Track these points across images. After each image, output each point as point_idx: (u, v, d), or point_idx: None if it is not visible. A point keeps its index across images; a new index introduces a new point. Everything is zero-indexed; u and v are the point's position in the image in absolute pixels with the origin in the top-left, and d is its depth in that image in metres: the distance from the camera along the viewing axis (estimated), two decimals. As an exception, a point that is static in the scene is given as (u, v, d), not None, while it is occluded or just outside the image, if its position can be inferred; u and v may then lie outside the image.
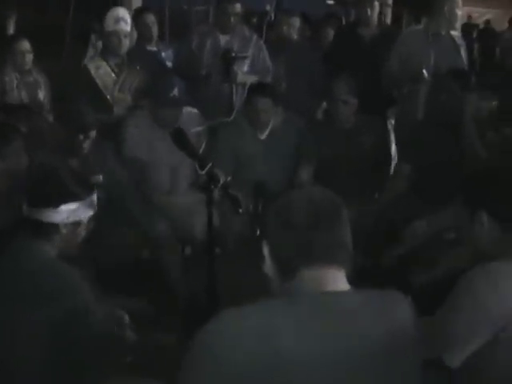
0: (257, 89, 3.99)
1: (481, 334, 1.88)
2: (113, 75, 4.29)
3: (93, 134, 3.45)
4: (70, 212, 2.15)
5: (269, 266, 1.59)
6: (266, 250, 1.59)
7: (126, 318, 2.55)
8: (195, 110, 4.05)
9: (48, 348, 1.96)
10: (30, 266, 2.07)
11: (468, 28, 11.41)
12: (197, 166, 2.52)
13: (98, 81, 4.27)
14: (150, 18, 4.90)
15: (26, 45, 4.54)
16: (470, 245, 2.18)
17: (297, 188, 1.67)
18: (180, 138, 2.65)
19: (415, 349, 1.56)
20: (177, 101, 3.78)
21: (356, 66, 4.32)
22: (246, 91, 4.22)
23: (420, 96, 4.27)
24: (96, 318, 2.10)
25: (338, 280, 1.53)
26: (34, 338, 1.96)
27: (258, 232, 2.74)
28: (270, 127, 4.01)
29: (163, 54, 4.84)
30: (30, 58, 4.55)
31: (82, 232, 2.25)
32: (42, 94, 4.55)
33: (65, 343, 1.96)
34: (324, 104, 4.72)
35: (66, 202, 2.14)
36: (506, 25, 13.19)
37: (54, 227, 2.14)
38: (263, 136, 4.03)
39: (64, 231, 2.15)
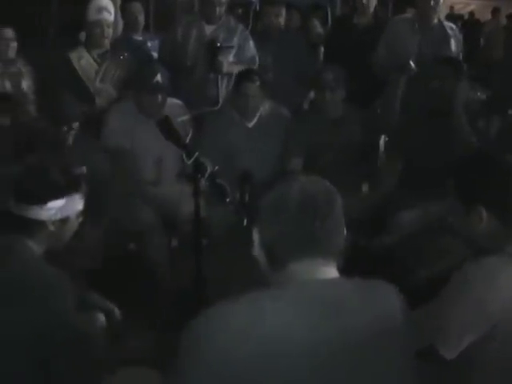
0: (245, 75, 4.00)
1: (476, 328, 1.87)
2: (95, 66, 4.24)
3: (76, 125, 3.42)
4: (58, 209, 2.08)
5: (258, 253, 1.58)
6: (256, 238, 1.57)
7: (117, 311, 2.52)
8: (178, 101, 4.01)
9: (29, 350, 1.90)
10: (14, 265, 2.00)
11: (452, 19, 11.43)
12: (184, 155, 2.50)
13: (80, 71, 4.22)
14: (137, 7, 4.87)
15: (9, 33, 4.46)
16: (466, 237, 2.15)
17: (290, 177, 1.63)
18: (167, 127, 2.62)
19: (405, 338, 1.55)
20: (160, 87, 3.74)
21: (348, 55, 4.32)
22: (234, 78, 4.19)
23: (404, 85, 4.27)
24: (77, 321, 2.05)
25: (327, 270, 1.52)
26: (15, 337, 1.90)
27: (245, 222, 2.73)
28: (257, 116, 4.01)
29: (149, 44, 4.81)
30: (14, 46, 4.47)
31: (71, 228, 2.19)
32: (25, 85, 4.48)
33: (46, 345, 1.91)
34: (311, 94, 4.71)
35: (53, 198, 2.07)
36: (489, 16, 13.26)
37: (41, 224, 2.07)
38: (251, 124, 4.02)
39: (51, 228, 2.09)
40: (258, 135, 3.97)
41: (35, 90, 4.51)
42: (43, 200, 2.06)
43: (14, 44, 4.49)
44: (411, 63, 4.22)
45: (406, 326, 1.55)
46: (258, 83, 3.91)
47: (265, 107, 4.03)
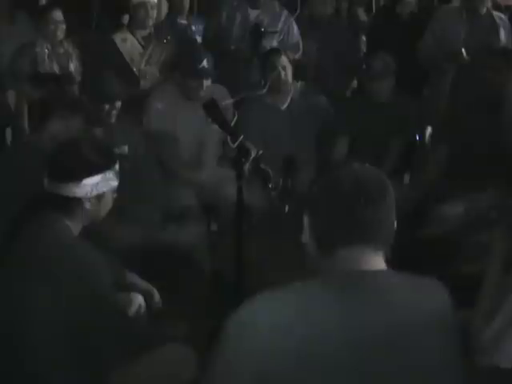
0: (272, 50, 4.19)
1: None
2: (140, 48, 4.26)
3: (118, 103, 3.43)
4: (93, 185, 2.08)
5: (307, 239, 1.56)
6: (306, 224, 1.55)
7: (156, 293, 2.53)
8: (221, 86, 4.01)
9: (66, 328, 1.92)
10: (50, 245, 2.01)
11: (499, 10, 11.19)
12: (228, 139, 2.49)
13: (124, 53, 4.24)
14: None
15: (59, 15, 4.49)
16: None
17: (342, 164, 1.62)
18: (213, 110, 2.61)
19: (453, 336, 1.52)
20: (205, 72, 3.73)
21: (393, 45, 4.27)
22: (263, 56, 4.22)
23: (453, 74, 4.20)
24: (114, 301, 2.08)
25: (376, 259, 1.50)
26: (52, 317, 1.92)
27: (287, 208, 2.72)
28: (289, 99, 4.05)
29: (193, 28, 4.81)
30: (62, 28, 4.50)
31: (107, 204, 2.19)
32: (72, 66, 4.51)
33: (82, 325, 1.92)
34: (354, 82, 4.67)
35: (88, 175, 2.07)
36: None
37: (77, 202, 2.07)
38: (284, 106, 4.06)
39: (87, 206, 2.09)
40: (292, 117, 4.01)
41: (82, 72, 4.54)
42: (78, 177, 2.06)
43: (63, 26, 4.52)
44: (463, 51, 4.14)
45: (454, 324, 1.53)
46: (285, 57, 4.00)
47: (295, 90, 4.07)
